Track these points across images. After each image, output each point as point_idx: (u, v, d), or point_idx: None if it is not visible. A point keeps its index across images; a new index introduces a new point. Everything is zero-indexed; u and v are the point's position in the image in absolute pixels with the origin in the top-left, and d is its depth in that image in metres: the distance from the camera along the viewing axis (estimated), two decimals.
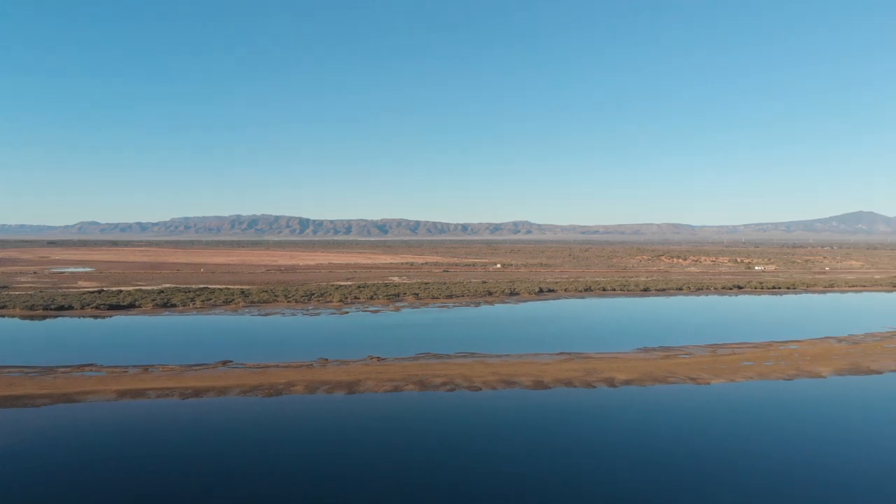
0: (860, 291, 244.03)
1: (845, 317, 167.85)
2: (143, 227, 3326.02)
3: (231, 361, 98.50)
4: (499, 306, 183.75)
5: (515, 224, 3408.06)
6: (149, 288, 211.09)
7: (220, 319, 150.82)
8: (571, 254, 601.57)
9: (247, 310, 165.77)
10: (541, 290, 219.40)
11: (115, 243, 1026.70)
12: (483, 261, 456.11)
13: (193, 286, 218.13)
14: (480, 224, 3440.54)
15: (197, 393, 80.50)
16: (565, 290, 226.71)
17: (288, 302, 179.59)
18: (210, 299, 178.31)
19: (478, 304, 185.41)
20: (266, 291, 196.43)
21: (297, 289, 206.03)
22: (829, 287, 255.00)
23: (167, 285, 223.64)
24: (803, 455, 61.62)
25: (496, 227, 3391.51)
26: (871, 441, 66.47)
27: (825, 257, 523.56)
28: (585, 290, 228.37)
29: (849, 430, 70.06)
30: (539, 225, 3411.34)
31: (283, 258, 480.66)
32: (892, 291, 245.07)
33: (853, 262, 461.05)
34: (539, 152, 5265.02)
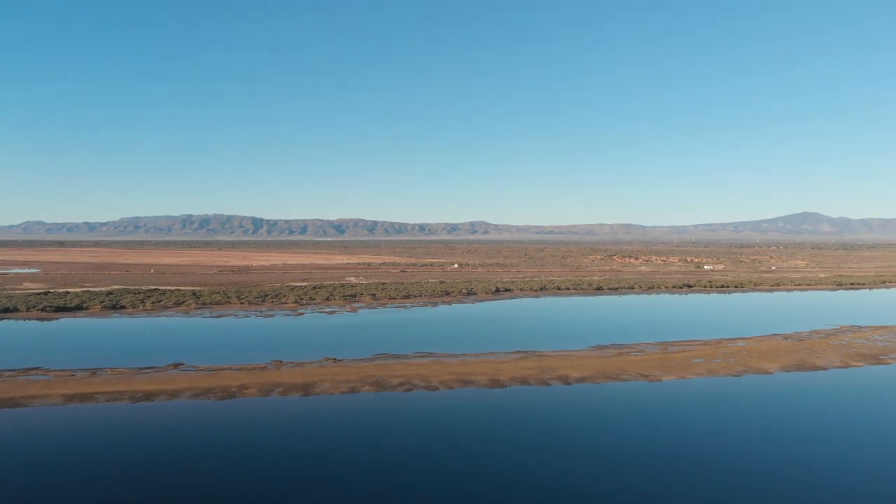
0: (805, 290, 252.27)
1: (791, 315, 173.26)
2: (90, 227, 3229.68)
3: (182, 364, 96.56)
4: (456, 306, 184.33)
5: (472, 224, 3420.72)
6: (97, 289, 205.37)
7: (171, 321, 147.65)
8: (527, 254, 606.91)
9: (198, 311, 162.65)
10: (497, 290, 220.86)
11: (61, 244, 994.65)
12: (440, 261, 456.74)
13: (143, 287, 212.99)
14: (438, 224, 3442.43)
15: (147, 396, 78.70)
16: (521, 289, 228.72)
17: (241, 303, 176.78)
18: (160, 301, 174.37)
19: (435, 304, 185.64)
20: (218, 293, 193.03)
21: (251, 290, 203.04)
22: (776, 286, 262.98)
23: (116, 287, 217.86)
24: (751, 450, 63.40)
25: (453, 228, 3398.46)
26: (816, 435, 68.90)
27: (772, 257, 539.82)
28: (540, 289, 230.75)
29: (795, 424, 72.47)
30: (496, 225, 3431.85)
31: (236, 259, 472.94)
32: (836, 290, 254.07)
33: (798, 262, 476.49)
34: (496, 153, 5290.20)
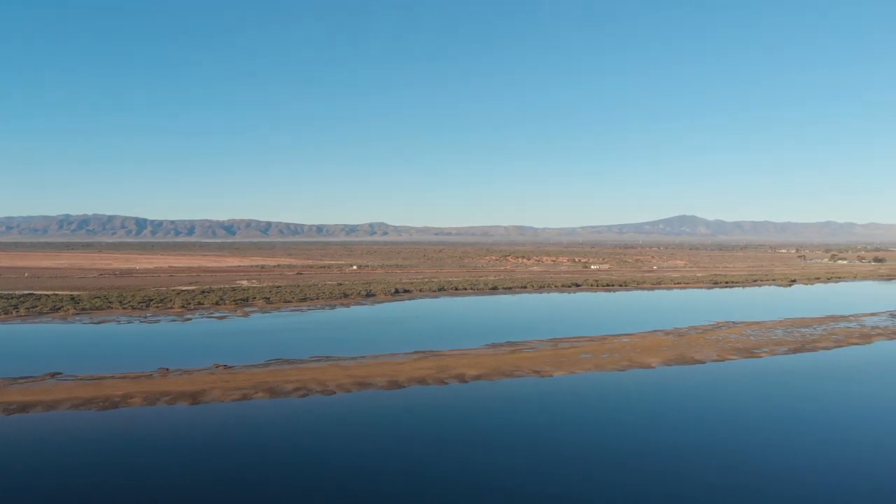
0: (684, 288, 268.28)
1: (671, 311, 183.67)
2: None
3: (61, 373, 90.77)
4: (355, 308, 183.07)
5: (371, 225, 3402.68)
6: None
7: (48, 328, 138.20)
8: (426, 255, 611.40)
9: (77, 318, 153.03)
10: (397, 291, 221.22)
11: None
12: (339, 262, 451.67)
13: (16, 292, 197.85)
14: (336, 225, 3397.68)
15: (23, 408, 73.47)
16: (420, 290, 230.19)
17: (123, 309, 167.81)
18: (35, 306, 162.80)
19: (333, 307, 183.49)
20: (99, 297, 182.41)
21: (134, 294, 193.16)
22: (657, 284, 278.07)
23: None
24: (634, 438, 67.17)
25: (352, 229, 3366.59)
26: (696, 424, 73.65)
27: (653, 257, 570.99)
28: (439, 289, 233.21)
29: (676, 415, 77.18)
30: (395, 226, 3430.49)
31: (118, 261, 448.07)
32: (712, 288, 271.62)
33: (678, 262, 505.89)
34: (393, 153, 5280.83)
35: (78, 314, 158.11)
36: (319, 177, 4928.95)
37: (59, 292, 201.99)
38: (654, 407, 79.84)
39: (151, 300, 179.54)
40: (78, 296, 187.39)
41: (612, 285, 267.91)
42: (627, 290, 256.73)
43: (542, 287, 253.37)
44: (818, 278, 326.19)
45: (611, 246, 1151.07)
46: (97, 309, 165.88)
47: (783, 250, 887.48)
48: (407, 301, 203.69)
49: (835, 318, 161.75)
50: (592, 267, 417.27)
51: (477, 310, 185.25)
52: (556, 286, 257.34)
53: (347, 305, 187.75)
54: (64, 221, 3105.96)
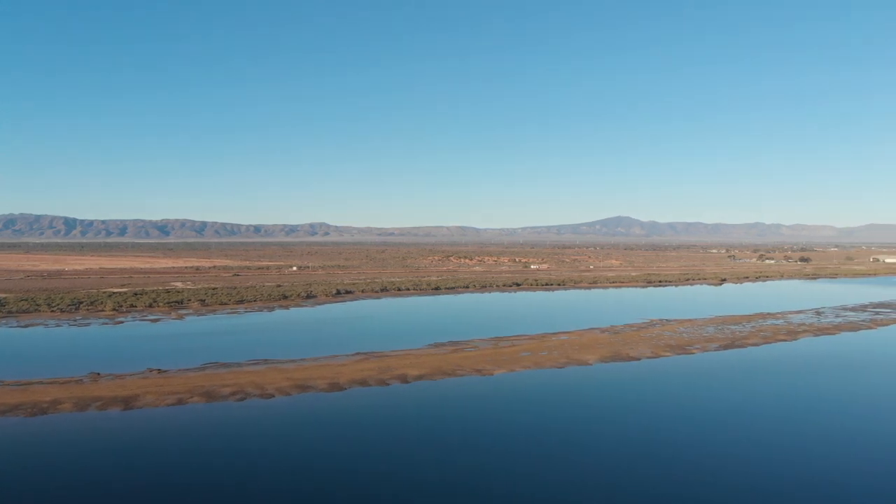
0: (619, 287, 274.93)
1: (607, 310, 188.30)
2: None
3: None
4: (294, 310, 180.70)
5: (312, 226, 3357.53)
6: None
7: None
8: (368, 255, 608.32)
9: (3, 321, 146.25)
10: (338, 292, 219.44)
11: None
12: (278, 263, 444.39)
13: None
14: (275, 226, 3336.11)
15: None
16: (362, 290, 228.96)
17: (52, 311, 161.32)
18: None
19: (272, 309, 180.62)
20: (25, 300, 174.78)
21: (63, 296, 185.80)
22: (593, 283, 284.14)
23: None
24: (570, 433, 68.83)
25: (292, 229, 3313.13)
26: (629, 419, 75.81)
27: (590, 257, 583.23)
28: (382, 290, 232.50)
29: (611, 410, 79.33)
30: (337, 227, 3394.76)
31: (47, 262, 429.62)
32: (646, 287, 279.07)
33: (613, 262, 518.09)
34: (335, 153, 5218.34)
35: (3, 317, 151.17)
36: (257, 175, 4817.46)
37: None
38: (591, 402, 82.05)
39: (81, 303, 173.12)
40: (3, 298, 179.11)
41: (551, 284, 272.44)
42: (565, 289, 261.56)
43: (484, 287, 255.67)
44: (747, 277, 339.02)
45: (550, 246, 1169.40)
46: (24, 312, 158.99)
47: (714, 250, 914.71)
48: (349, 302, 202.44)
49: (763, 316, 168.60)
50: (532, 267, 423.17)
51: (420, 310, 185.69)
52: (497, 286, 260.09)
53: (287, 307, 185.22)
54: None
